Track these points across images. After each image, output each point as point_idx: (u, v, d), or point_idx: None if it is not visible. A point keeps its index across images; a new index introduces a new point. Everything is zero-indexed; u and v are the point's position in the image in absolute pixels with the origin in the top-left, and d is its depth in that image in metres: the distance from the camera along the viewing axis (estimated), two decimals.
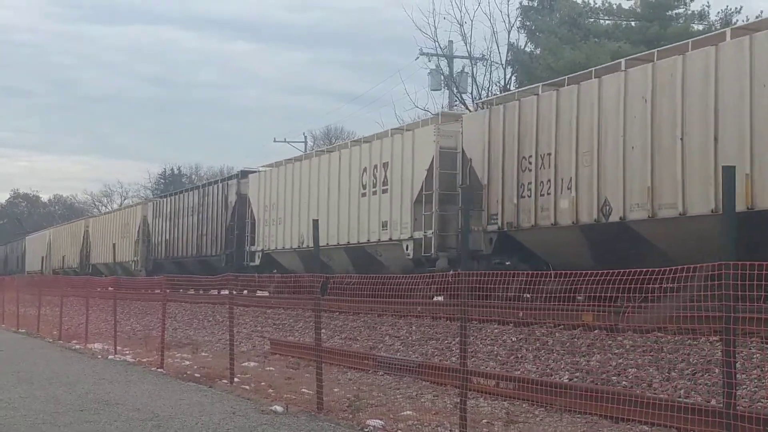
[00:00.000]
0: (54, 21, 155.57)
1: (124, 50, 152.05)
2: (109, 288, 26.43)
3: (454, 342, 14.38)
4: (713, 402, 9.35)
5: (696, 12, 42.41)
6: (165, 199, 41.13)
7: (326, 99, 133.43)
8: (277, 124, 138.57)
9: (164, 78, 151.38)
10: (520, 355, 13.42)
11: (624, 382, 11.06)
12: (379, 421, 9.75)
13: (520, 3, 45.34)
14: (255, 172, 32.01)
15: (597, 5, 43.41)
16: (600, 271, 9.04)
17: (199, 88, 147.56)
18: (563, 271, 11.79)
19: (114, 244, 43.90)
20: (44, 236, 65.08)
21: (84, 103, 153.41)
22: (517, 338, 14.20)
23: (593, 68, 17.80)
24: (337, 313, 19.76)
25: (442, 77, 45.09)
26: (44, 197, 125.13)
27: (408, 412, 10.43)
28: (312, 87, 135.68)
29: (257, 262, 29.84)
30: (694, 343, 11.38)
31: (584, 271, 9.75)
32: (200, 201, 35.36)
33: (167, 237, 38.86)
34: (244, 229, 31.15)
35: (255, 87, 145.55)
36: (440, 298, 18.06)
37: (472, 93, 45.24)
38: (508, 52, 44.97)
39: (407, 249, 21.45)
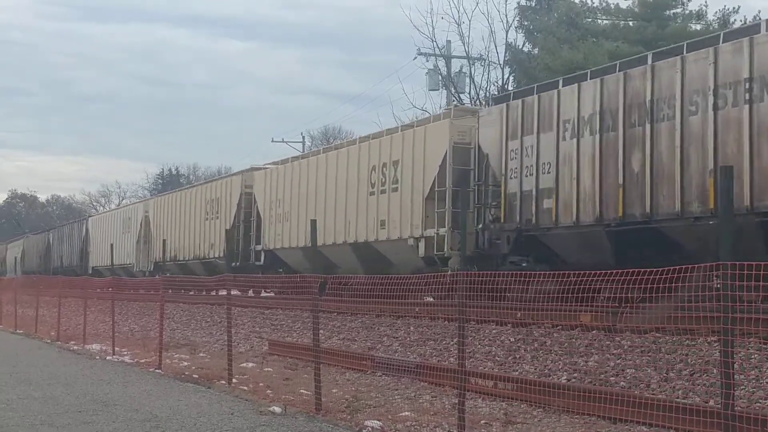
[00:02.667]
0: (48, 20, 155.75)
1: (119, 49, 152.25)
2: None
3: (452, 343, 14.37)
4: (711, 402, 9.35)
5: (694, 12, 42.46)
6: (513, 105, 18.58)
7: (323, 99, 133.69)
8: (274, 124, 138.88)
9: (159, 78, 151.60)
10: (518, 356, 13.41)
11: (622, 383, 11.06)
12: (378, 422, 9.75)
13: (518, 3, 45.38)
14: None
15: (595, 5, 43.48)
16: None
17: (195, 87, 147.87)
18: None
19: (334, 210, 24.93)
20: (132, 212, 42.79)
21: (80, 103, 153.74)
22: (515, 339, 14.19)
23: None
24: (336, 314, 19.74)
25: (440, 77, 45.09)
26: (42, 197, 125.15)
27: (406, 413, 10.43)
28: (308, 86, 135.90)
29: None
30: (693, 343, 11.38)
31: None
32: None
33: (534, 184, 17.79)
34: None
35: (250, 87, 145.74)
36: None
37: (470, 93, 45.29)
38: (505, 52, 44.98)
39: None
